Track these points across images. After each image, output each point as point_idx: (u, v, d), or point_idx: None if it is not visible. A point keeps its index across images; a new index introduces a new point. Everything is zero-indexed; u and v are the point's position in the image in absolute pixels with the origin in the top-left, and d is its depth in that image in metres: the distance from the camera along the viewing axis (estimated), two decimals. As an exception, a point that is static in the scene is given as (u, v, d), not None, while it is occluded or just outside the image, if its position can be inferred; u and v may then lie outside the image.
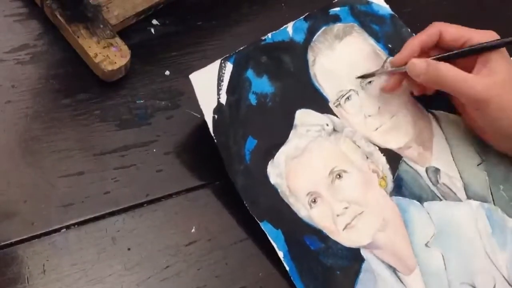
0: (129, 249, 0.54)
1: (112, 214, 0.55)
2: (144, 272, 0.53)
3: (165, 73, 0.64)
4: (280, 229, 0.55)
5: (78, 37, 0.60)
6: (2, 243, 0.52)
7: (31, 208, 0.54)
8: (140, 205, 0.56)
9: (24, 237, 0.52)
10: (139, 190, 0.57)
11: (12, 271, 0.51)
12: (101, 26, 0.61)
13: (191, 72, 0.58)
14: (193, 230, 0.56)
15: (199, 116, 0.61)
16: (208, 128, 0.58)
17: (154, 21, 0.66)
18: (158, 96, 0.62)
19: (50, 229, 0.53)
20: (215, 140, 0.57)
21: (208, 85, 0.58)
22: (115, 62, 0.60)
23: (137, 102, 0.61)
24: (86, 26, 0.61)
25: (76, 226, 0.54)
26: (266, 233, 0.55)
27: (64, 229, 0.54)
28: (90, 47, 0.60)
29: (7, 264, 0.51)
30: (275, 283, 0.55)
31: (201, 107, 0.57)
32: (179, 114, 0.61)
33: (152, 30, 0.66)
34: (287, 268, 0.54)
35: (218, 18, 0.69)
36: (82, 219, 0.54)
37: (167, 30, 0.66)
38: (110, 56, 0.60)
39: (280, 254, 0.55)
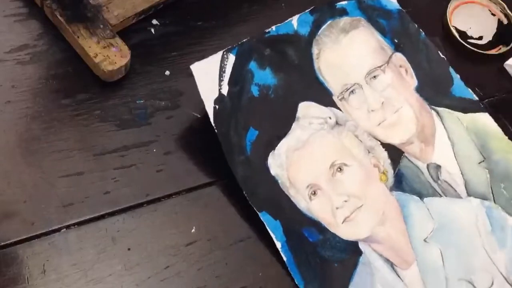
0: (129, 249, 0.54)
1: (112, 214, 0.55)
2: (144, 272, 0.53)
3: (165, 73, 0.64)
4: (279, 220, 0.56)
5: (78, 37, 0.60)
6: (2, 243, 0.52)
7: (31, 208, 0.54)
8: (140, 205, 0.56)
9: (24, 237, 0.52)
10: (139, 190, 0.57)
11: (12, 271, 0.51)
12: (101, 26, 0.61)
13: (191, 72, 0.58)
14: (193, 230, 0.56)
15: (199, 116, 0.61)
16: (208, 128, 0.58)
17: (154, 21, 0.66)
18: (158, 96, 0.62)
19: (50, 229, 0.53)
20: (216, 130, 0.57)
21: (209, 76, 0.58)
22: (115, 62, 0.60)
23: (137, 102, 0.61)
24: (86, 26, 0.61)
25: (76, 226, 0.54)
26: (264, 223, 0.55)
27: (64, 229, 0.54)
28: (90, 47, 0.60)
29: (7, 264, 0.51)
30: (275, 283, 0.55)
31: (202, 97, 0.57)
32: (179, 114, 0.61)
33: (152, 30, 0.66)
34: (285, 259, 0.54)
35: (218, 18, 0.68)
36: (82, 219, 0.54)
37: (167, 30, 0.66)
38: (110, 56, 0.60)
39: (278, 245, 0.55)
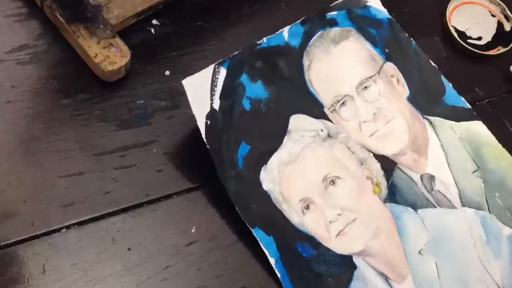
0: (129, 249, 0.54)
1: (112, 214, 0.55)
2: (144, 272, 0.53)
3: (165, 73, 0.64)
4: (272, 235, 0.55)
5: (78, 37, 0.60)
6: (2, 243, 0.52)
7: (31, 208, 0.54)
8: (140, 205, 0.56)
9: (24, 237, 0.52)
10: (139, 190, 0.57)
11: (12, 271, 0.51)
12: (101, 26, 0.61)
13: (191, 72, 0.58)
14: (193, 230, 0.56)
15: (199, 116, 0.61)
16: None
17: (154, 21, 0.66)
18: (158, 96, 0.62)
19: (50, 229, 0.53)
20: (207, 146, 0.56)
21: (201, 90, 0.58)
22: (115, 62, 0.60)
23: (137, 102, 0.61)
24: (86, 26, 0.61)
25: (76, 226, 0.54)
26: (257, 239, 0.55)
27: (64, 229, 0.54)
28: (90, 47, 0.60)
29: (7, 264, 0.51)
30: (275, 283, 0.55)
31: (194, 112, 0.57)
32: (179, 114, 0.61)
33: (152, 30, 0.66)
34: (279, 275, 0.54)
35: (218, 18, 0.68)
36: (82, 219, 0.54)
37: (167, 30, 0.66)
38: (110, 56, 0.60)
39: (272, 261, 0.54)
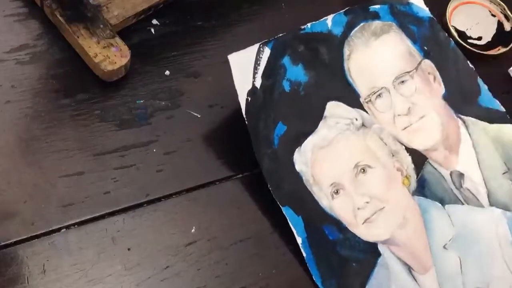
0: (129, 249, 0.54)
1: (112, 214, 0.55)
2: (144, 272, 0.53)
3: (165, 73, 0.64)
4: (301, 215, 0.56)
5: (78, 37, 0.60)
6: (2, 243, 0.52)
7: (31, 208, 0.54)
8: (140, 205, 0.56)
9: (24, 237, 0.52)
10: (139, 190, 0.57)
11: (12, 271, 0.51)
12: (101, 26, 0.61)
13: (191, 72, 0.58)
14: (193, 230, 0.56)
15: (199, 116, 0.61)
16: (208, 128, 0.58)
17: (154, 21, 0.66)
18: (158, 96, 0.62)
19: (50, 229, 0.53)
20: (246, 122, 0.57)
21: (245, 67, 0.59)
22: (115, 62, 0.60)
23: (137, 102, 0.61)
24: (86, 26, 0.61)
25: (76, 226, 0.54)
26: (287, 218, 0.56)
27: (64, 229, 0.54)
28: (90, 47, 0.60)
29: (7, 264, 0.51)
30: (275, 283, 0.55)
31: (236, 88, 0.58)
32: (179, 114, 0.61)
33: (152, 30, 0.66)
34: (304, 255, 0.55)
35: (218, 18, 0.68)
36: (82, 219, 0.54)
37: (167, 30, 0.66)
38: (110, 56, 0.60)
39: (299, 240, 0.55)
